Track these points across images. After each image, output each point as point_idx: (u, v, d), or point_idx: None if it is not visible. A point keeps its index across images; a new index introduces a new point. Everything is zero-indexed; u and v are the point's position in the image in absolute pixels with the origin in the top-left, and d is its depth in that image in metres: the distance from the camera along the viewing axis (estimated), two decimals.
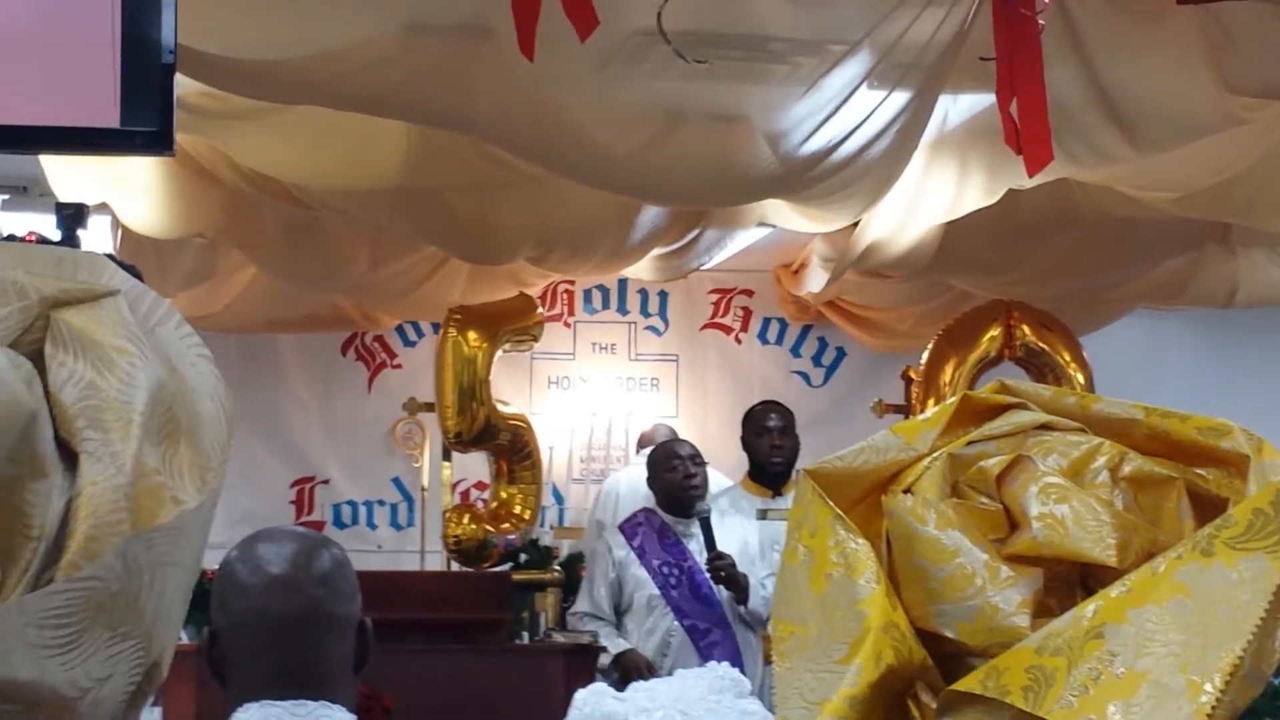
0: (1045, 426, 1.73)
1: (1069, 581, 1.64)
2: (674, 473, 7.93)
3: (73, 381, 1.22)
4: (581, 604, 8.25)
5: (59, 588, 1.16)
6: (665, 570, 7.85)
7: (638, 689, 2.92)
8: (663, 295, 11.67)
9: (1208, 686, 1.51)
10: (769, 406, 8.74)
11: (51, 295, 1.25)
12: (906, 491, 1.69)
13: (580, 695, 2.98)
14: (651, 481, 8.23)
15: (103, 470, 1.19)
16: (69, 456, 1.20)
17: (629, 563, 7.89)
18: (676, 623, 7.79)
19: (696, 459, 7.98)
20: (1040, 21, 6.16)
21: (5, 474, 1.16)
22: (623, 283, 11.46)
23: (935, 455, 1.71)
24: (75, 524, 1.18)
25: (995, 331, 10.22)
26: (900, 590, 1.66)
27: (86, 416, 1.21)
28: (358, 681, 2.88)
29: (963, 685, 1.60)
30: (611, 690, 2.99)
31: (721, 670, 2.95)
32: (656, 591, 7.82)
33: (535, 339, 10.57)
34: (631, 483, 9.99)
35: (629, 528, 8.01)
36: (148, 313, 1.30)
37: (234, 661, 2.75)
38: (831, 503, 1.68)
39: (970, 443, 1.72)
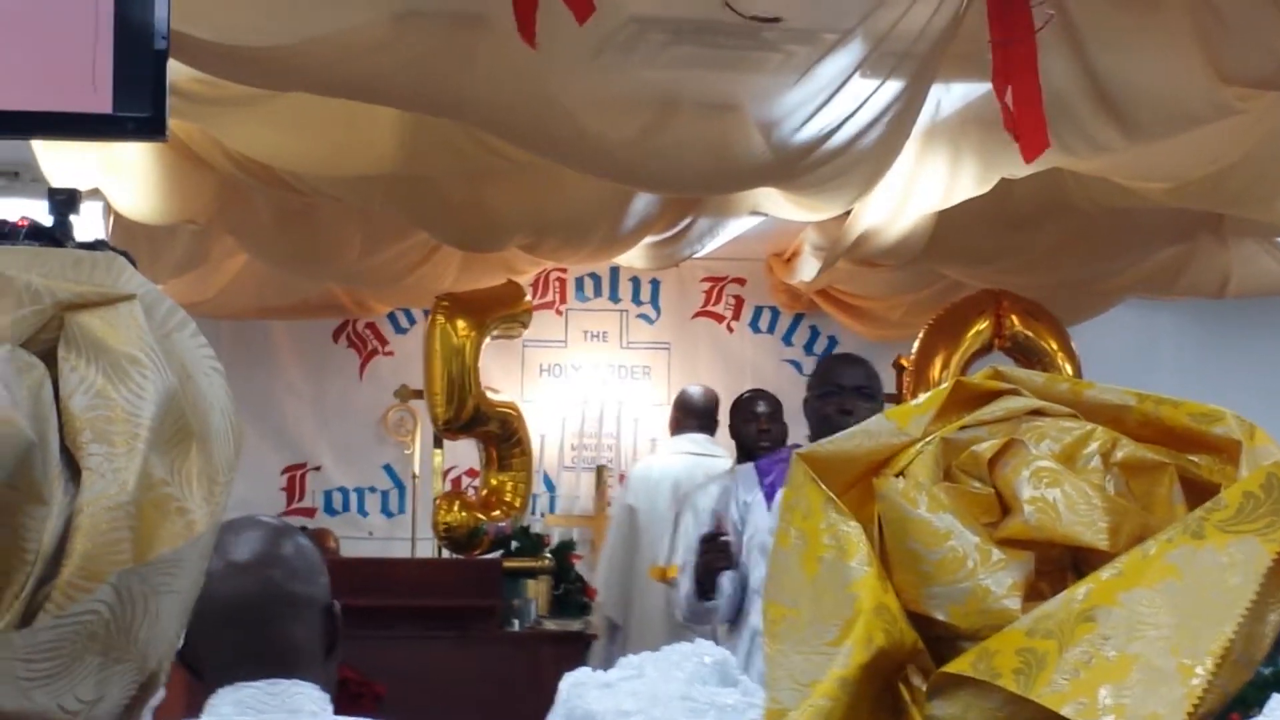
0: (1038, 412, 1.73)
1: (1060, 565, 1.64)
2: (828, 400, 6.82)
3: (83, 389, 1.21)
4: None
5: (48, 624, 1.16)
6: None
7: (625, 671, 2.90)
8: (655, 283, 11.68)
9: (1199, 670, 1.52)
10: (756, 394, 8.74)
11: (66, 299, 1.25)
12: (899, 475, 1.69)
13: (565, 683, 2.97)
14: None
15: (105, 487, 1.19)
16: (74, 467, 1.20)
17: (755, 506, 6.83)
18: None
19: (865, 390, 6.86)
20: (1050, 12, 6.17)
21: (3, 499, 1.16)
22: (614, 270, 11.47)
23: (928, 440, 1.71)
24: (74, 543, 1.18)
25: (984, 322, 10.24)
26: (892, 573, 1.66)
27: (93, 429, 1.20)
28: (333, 666, 2.90)
29: (953, 667, 1.61)
30: (597, 678, 2.97)
31: (706, 652, 2.92)
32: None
33: (524, 326, 10.58)
34: (664, 468, 9.92)
35: (765, 464, 7.04)
36: (164, 319, 1.30)
37: (205, 650, 2.79)
38: (824, 486, 1.68)
39: (963, 428, 1.72)
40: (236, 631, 2.81)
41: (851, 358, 7.28)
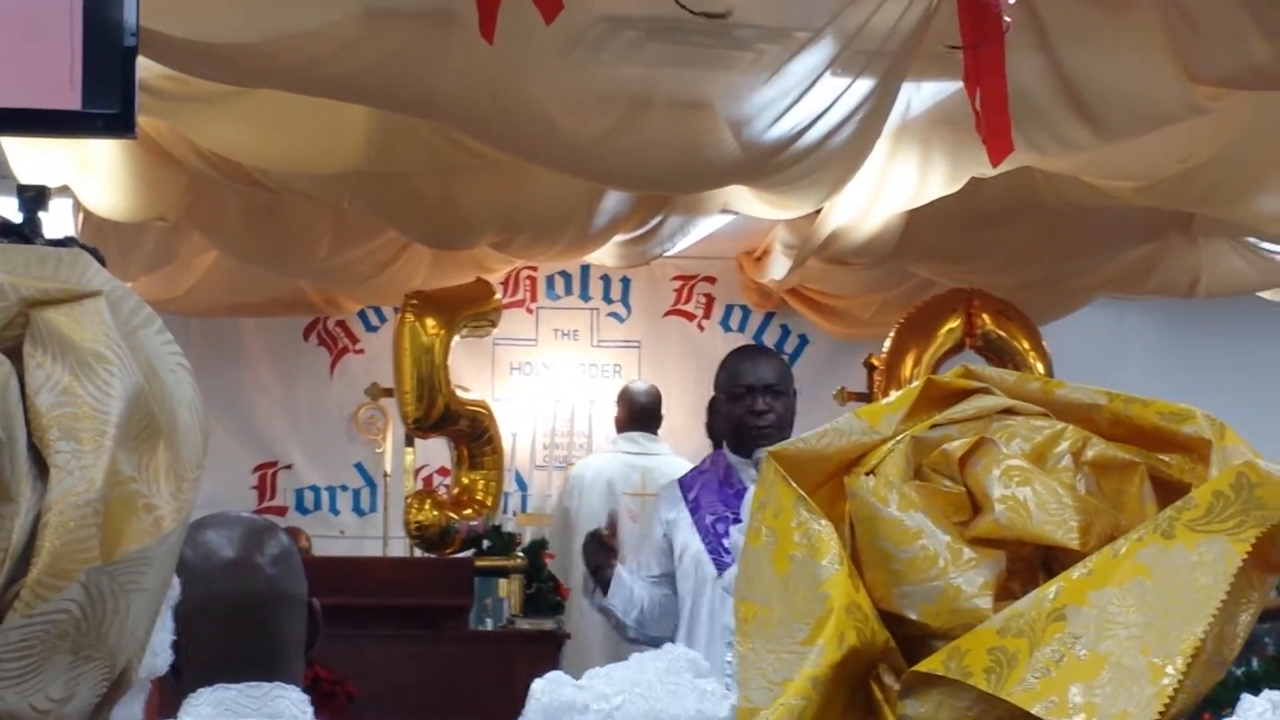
0: (1009, 411, 1.73)
1: (1031, 564, 1.64)
2: (738, 403, 6.17)
3: (49, 386, 1.21)
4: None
5: (17, 623, 1.15)
6: (719, 528, 6.19)
7: (594, 675, 2.92)
8: (625, 281, 11.67)
9: (1169, 669, 1.52)
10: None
11: (31, 295, 1.24)
12: (870, 473, 1.69)
13: (537, 685, 2.98)
14: (717, 413, 6.79)
15: (73, 485, 1.18)
16: (41, 465, 1.19)
17: (679, 523, 6.33)
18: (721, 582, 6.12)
19: (775, 388, 6.15)
20: (1008, 20, 6.18)
21: None
22: (585, 269, 11.46)
23: (899, 438, 1.71)
24: (43, 541, 1.17)
25: (956, 320, 10.25)
26: (863, 572, 1.66)
27: (60, 426, 1.20)
28: (304, 664, 2.88)
29: (925, 666, 1.61)
30: (569, 679, 2.98)
31: (678, 651, 2.95)
32: (703, 548, 6.23)
33: (493, 324, 10.57)
34: (599, 469, 9.94)
35: (688, 478, 6.47)
36: (129, 316, 1.29)
37: (188, 650, 2.74)
38: (795, 484, 1.68)
39: (934, 426, 1.72)
40: (231, 632, 2.75)
41: (756, 351, 6.83)
